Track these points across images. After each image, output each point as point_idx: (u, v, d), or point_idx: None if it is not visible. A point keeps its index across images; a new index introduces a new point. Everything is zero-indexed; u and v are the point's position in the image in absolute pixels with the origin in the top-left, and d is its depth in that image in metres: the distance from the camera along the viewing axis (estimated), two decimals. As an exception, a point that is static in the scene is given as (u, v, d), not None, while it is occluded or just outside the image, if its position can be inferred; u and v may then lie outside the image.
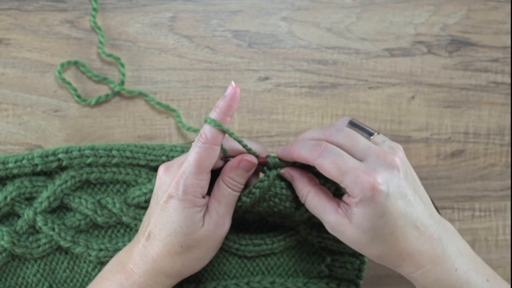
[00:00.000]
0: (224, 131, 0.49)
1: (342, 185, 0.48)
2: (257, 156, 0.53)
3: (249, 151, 0.52)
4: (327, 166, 0.48)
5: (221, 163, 0.52)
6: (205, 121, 0.49)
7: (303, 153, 0.50)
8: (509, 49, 0.66)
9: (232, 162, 0.51)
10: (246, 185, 0.54)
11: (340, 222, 0.49)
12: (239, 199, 0.53)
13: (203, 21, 0.63)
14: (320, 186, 0.52)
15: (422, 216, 0.49)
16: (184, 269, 0.51)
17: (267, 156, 0.53)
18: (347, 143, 0.49)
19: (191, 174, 0.48)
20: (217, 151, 0.49)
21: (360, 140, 0.49)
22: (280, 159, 0.53)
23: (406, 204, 0.48)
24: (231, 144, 0.53)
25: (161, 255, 0.49)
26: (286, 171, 0.53)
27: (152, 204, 0.51)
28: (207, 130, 0.49)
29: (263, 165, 0.53)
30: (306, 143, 0.50)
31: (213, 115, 0.49)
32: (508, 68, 0.66)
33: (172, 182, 0.49)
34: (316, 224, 0.59)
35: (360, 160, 0.48)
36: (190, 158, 0.48)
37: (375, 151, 0.48)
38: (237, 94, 0.49)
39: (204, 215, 0.50)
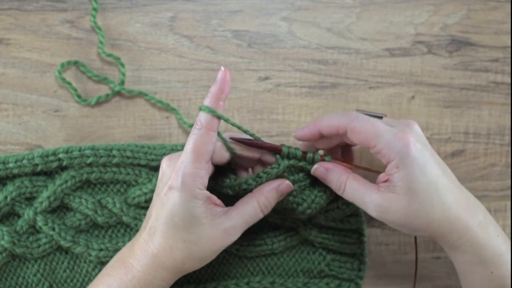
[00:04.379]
0: (219, 117, 0.49)
1: (375, 149, 0.49)
2: (265, 142, 0.53)
3: (253, 135, 0.52)
4: (363, 128, 0.49)
5: (226, 156, 0.52)
6: (200, 109, 0.49)
7: (334, 121, 0.51)
8: (509, 49, 0.66)
9: (272, 183, 0.52)
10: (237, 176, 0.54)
11: (385, 197, 0.49)
12: (246, 181, 0.52)
13: (203, 21, 0.63)
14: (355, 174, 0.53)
15: (455, 179, 0.51)
16: (185, 266, 0.50)
17: (282, 145, 0.53)
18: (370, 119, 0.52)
19: (189, 162, 0.48)
20: (213, 137, 0.49)
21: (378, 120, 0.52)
22: (295, 149, 0.53)
23: (439, 163, 0.50)
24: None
25: (161, 250, 0.49)
26: (319, 165, 0.53)
27: (154, 197, 0.51)
28: (201, 116, 0.49)
29: (276, 152, 0.53)
30: (332, 115, 0.52)
31: (207, 101, 0.49)
32: (508, 68, 0.66)
33: (172, 173, 0.49)
34: (316, 225, 0.59)
35: None
36: (187, 147, 0.49)
37: (398, 120, 0.51)
38: (227, 77, 0.49)
39: (217, 217, 0.49)
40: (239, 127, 0.52)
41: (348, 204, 0.55)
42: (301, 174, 0.55)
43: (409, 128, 0.51)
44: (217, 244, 0.50)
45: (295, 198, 0.54)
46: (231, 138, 0.52)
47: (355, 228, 0.59)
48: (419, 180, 0.48)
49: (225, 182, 0.53)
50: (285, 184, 0.52)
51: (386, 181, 0.50)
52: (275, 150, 0.53)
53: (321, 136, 0.54)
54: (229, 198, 0.52)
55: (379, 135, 0.49)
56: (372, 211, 0.50)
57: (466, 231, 0.50)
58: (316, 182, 0.55)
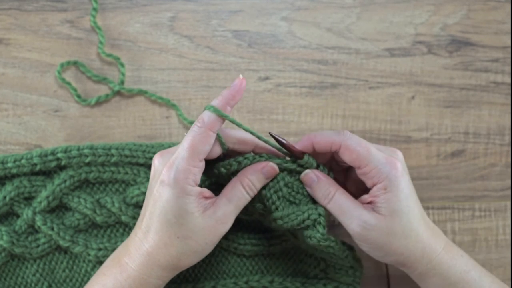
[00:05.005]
0: (223, 119, 0.49)
1: (365, 169, 0.50)
2: (293, 146, 0.52)
3: (267, 140, 0.52)
4: (357, 147, 0.50)
5: (218, 151, 0.51)
6: (205, 108, 0.49)
7: (328, 137, 0.51)
8: (509, 49, 0.66)
9: (256, 165, 0.52)
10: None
11: (370, 215, 0.50)
12: (245, 156, 0.52)
13: (203, 21, 0.64)
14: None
15: (421, 207, 0.53)
16: (181, 262, 0.50)
17: (305, 154, 0.53)
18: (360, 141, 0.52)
19: (183, 159, 0.48)
20: (212, 138, 0.49)
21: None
22: (313, 160, 0.53)
23: (414, 192, 0.52)
24: (246, 136, 0.52)
25: (156, 248, 0.49)
26: (312, 171, 0.53)
27: (147, 195, 0.51)
28: (205, 115, 0.49)
29: (296, 157, 0.53)
30: (326, 132, 0.52)
31: (215, 102, 0.49)
32: (508, 68, 0.66)
33: (164, 168, 0.48)
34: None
35: None
36: (184, 143, 0.48)
37: (383, 146, 0.53)
38: (243, 86, 0.49)
39: (207, 208, 0.49)
40: (252, 132, 0.52)
41: (319, 240, 0.52)
42: (296, 183, 0.54)
43: (396, 154, 0.52)
44: (212, 235, 0.49)
45: (279, 200, 0.53)
46: (270, 133, 0.52)
47: (338, 254, 0.56)
48: (403, 204, 0.50)
49: (219, 163, 0.52)
50: (269, 166, 0.52)
51: (369, 202, 0.51)
52: (297, 156, 0.53)
53: (313, 151, 0.53)
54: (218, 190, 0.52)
55: (370, 156, 0.50)
56: (356, 226, 0.50)
57: (434, 255, 0.52)
58: (300, 204, 0.54)
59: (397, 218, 0.50)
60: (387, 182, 0.50)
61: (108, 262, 0.52)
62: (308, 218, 0.53)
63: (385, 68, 0.65)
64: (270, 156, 0.52)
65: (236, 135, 0.52)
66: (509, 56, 0.66)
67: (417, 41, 0.65)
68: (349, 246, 0.57)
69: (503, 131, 0.66)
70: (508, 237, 0.65)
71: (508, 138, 0.66)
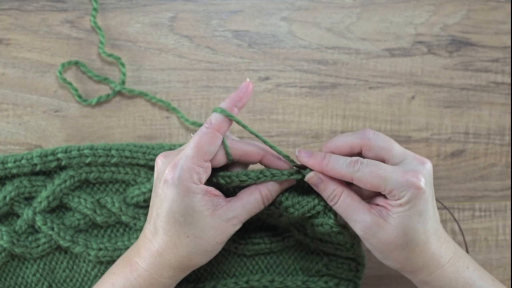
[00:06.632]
0: (230, 121, 0.49)
1: (385, 192, 0.49)
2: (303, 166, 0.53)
3: (273, 147, 0.52)
4: (368, 178, 0.49)
5: (223, 160, 0.51)
6: (213, 111, 0.50)
7: (339, 168, 0.50)
8: (509, 49, 0.66)
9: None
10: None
11: (376, 221, 0.49)
12: (246, 173, 0.52)
13: (203, 21, 0.64)
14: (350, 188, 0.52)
15: (438, 215, 0.52)
16: (191, 261, 0.50)
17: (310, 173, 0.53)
18: (386, 145, 0.51)
19: (188, 158, 0.48)
20: (219, 139, 0.49)
21: (395, 143, 0.51)
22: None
23: (433, 205, 0.51)
24: (252, 149, 0.52)
25: (166, 248, 0.49)
26: (315, 174, 0.52)
27: (152, 196, 0.51)
28: (213, 116, 0.49)
29: (299, 167, 0.53)
30: (339, 160, 0.51)
31: (222, 104, 0.50)
32: (508, 68, 0.66)
33: (167, 168, 0.48)
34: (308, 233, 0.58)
35: (396, 164, 0.50)
36: (190, 143, 0.49)
37: (410, 153, 0.51)
38: (249, 88, 0.50)
39: (219, 208, 0.49)
40: (258, 136, 0.52)
41: (332, 226, 0.54)
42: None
43: (421, 167, 0.50)
44: (222, 235, 0.49)
45: (287, 191, 0.54)
46: (294, 166, 0.53)
47: (347, 241, 0.57)
48: (414, 220, 0.49)
49: (219, 173, 0.52)
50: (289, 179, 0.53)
51: (381, 205, 0.50)
52: (302, 168, 0.53)
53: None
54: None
55: (386, 179, 0.49)
56: (359, 230, 0.50)
57: (436, 268, 0.51)
58: (304, 193, 0.55)
59: (403, 231, 0.49)
60: (405, 199, 0.48)
61: (118, 261, 0.52)
62: (318, 204, 0.53)
63: (385, 68, 0.65)
64: (273, 174, 0.52)
65: (243, 148, 0.52)
66: (509, 56, 0.66)
67: (417, 41, 0.65)
68: (356, 234, 0.57)
69: (503, 131, 0.66)
70: (508, 237, 0.65)
71: (508, 138, 0.66)
